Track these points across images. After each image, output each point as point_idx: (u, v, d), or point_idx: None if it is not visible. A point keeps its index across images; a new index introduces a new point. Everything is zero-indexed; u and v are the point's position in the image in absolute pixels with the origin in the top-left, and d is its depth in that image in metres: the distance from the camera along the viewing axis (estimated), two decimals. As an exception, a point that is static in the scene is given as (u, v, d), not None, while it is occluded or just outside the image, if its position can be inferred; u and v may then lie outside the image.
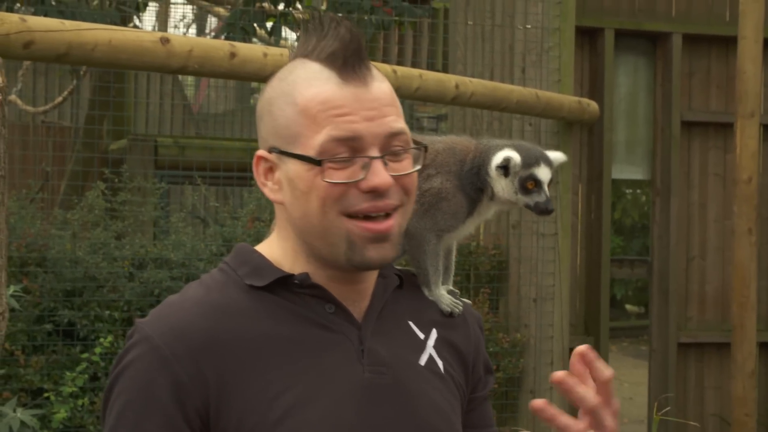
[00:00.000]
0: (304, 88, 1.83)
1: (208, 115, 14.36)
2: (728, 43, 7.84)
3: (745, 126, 6.41)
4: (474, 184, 2.29)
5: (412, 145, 1.88)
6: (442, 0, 9.15)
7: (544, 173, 2.30)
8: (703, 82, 8.09)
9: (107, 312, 5.95)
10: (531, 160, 2.28)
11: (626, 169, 8.10)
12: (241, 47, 4.57)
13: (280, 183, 1.87)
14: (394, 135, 1.84)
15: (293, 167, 1.83)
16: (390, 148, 1.83)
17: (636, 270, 9.18)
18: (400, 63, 9.18)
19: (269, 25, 7.95)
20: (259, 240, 6.29)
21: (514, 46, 6.91)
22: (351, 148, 1.80)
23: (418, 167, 1.88)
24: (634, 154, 8.06)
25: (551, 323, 6.78)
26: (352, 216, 1.82)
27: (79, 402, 5.64)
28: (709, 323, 8.08)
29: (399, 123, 1.85)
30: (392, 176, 1.82)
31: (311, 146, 1.81)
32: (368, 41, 8.88)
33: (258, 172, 1.91)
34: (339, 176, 1.80)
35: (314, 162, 1.80)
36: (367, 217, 1.82)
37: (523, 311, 6.84)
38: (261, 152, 1.90)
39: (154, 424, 1.77)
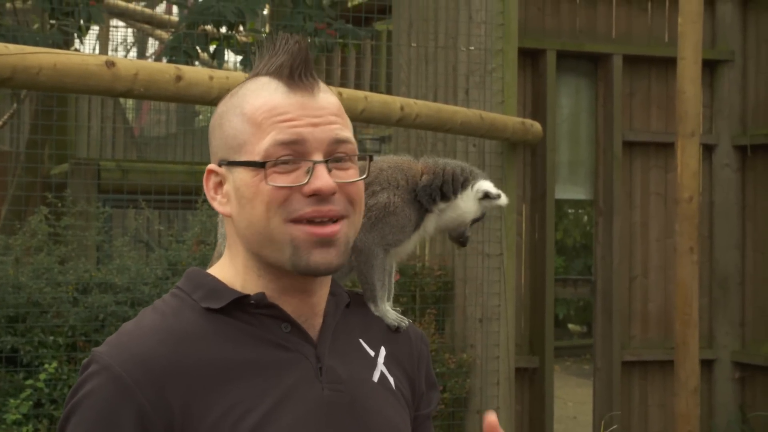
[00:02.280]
0: (252, 99, 1.87)
1: (149, 139, 14.28)
2: (668, 64, 7.95)
3: (686, 146, 6.48)
4: (430, 199, 2.35)
5: (359, 155, 1.91)
6: (384, 22, 9.18)
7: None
8: (644, 103, 8.20)
9: (51, 338, 5.88)
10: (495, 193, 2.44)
11: (569, 189, 8.18)
12: (187, 70, 4.56)
13: (228, 195, 1.89)
14: (339, 142, 1.86)
15: (239, 176, 1.86)
16: (334, 154, 1.85)
17: (579, 289, 9.25)
18: (343, 85, 9.19)
19: (212, 48, 7.93)
20: (204, 263, 6.25)
21: (457, 67, 6.95)
22: (295, 152, 1.83)
23: (364, 176, 1.91)
24: (577, 175, 8.14)
25: (497, 343, 6.80)
26: (296, 221, 1.83)
27: (24, 429, 5.56)
28: (652, 341, 8.17)
29: (344, 132, 1.87)
30: (337, 184, 1.84)
31: (256, 152, 1.83)
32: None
33: (208, 186, 1.93)
34: (283, 180, 1.82)
35: (258, 165, 1.82)
36: (311, 222, 1.84)
37: (469, 331, 6.86)
38: (211, 166, 1.92)
39: None
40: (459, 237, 2.43)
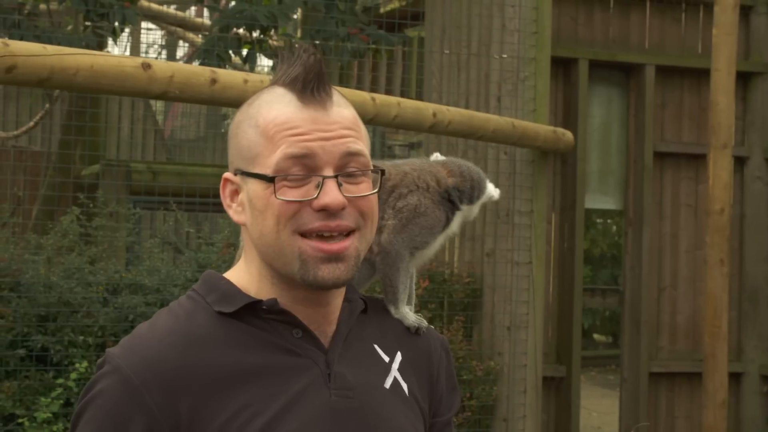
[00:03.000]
0: (266, 111, 1.87)
1: (179, 141, 14.33)
2: (700, 75, 7.92)
3: (718, 157, 6.47)
4: (459, 199, 2.39)
5: (371, 169, 1.90)
6: (416, 29, 9.18)
7: None
8: (676, 114, 8.17)
9: (81, 337, 5.91)
10: None
11: (599, 199, 8.16)
12: (222, 73, 4.58)
13: (243, 204, 1.90)
14: (351, 155, 1.86)
15: (252, 187, 1.86)
16: (345, 168, 1.86)
17: (608, 300, 9.21)
18: (373, 91, 9.20)
19: (244, 52, 7.95)
20: (232, 266, 6.26)
21: (489, 75, 6.94)
22: (305, 166, 1.83)
23: (376, 191, 1.90)
24: (607, 185, 8.11)
25: (525, 351, 6.79)
26: (305, 235, 1.84)
27: (54, 428, 5.59)
28: (680, 353, 8.13)
29: (356, 145, 1.87)
30: (348, 198, 1.84)
31: (268, 165, 1.84)
32: (343, 68, 8.92)
33: (224, 194, 1.94)
34: (293, 194, 1.83)
35: (268, 179, 1.83)
36: (321, 236, 1.84)
37: (497, 339, 6.85)
38: (227, 174, 1.94)
39: None
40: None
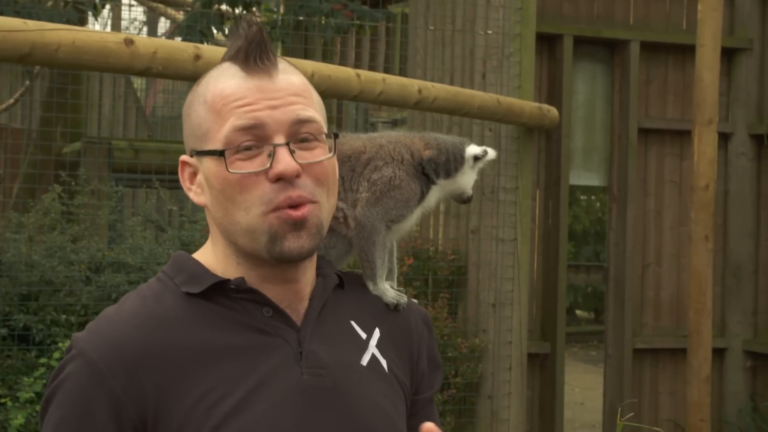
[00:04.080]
0: (213, 86, 1.86)
1: (161, 118, 14.26)
2: (685, 52, 7.91)
3: (703, 133, 6.45)
4: (435, 174, 2.34)
5: (324, 133, 1.88)
6: (400, 5, 9.13)
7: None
8: (660, 90, 8.15)
9: (64, 316, 5.87)
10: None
11: (583, 175, 8.15)
12: (206, 49, 4.53)
13: (202, 185, 1.89)
14: (301, 122, 1.84)
15: (207, 165, 1.85)
16: (297, 136, 1.83)
17: (591, 276, 9.25)
18: (357, 68, 9.16)
19: (227, 28, 7.89)
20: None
21: (474, 51, 6.90)
22: (256, 137, 1.81)
23: (331, 155, 1.88)
24: (591, 161, 8.10)
25: (510, 329, 6.78)
26: (273, 211, 1.82)
27: (37, 408, 5.55)
28: (663, 329, 8.14)
29: (306, 111, 1.85)
30: (302, 165, 1.82)
31: (218, 140, 1.82)
32: (327, 44, 8.86)
33: (183, 177, 1.93)
34: (246, 166, 1.81)
35: (218, 153, 1.81)
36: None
37: (482, 316, 6.84)
38: (183, 157, 1.92)
39: None
40: (462, 200, 2.45)
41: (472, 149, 2.39)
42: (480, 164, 2.40)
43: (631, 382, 7.90)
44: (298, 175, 1.81)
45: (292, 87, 1.85)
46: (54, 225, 6.39)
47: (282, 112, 1.82)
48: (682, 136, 7.99)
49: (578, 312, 19.30)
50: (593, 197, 17.83)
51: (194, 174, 1.90)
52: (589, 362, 15.42)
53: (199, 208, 7.34)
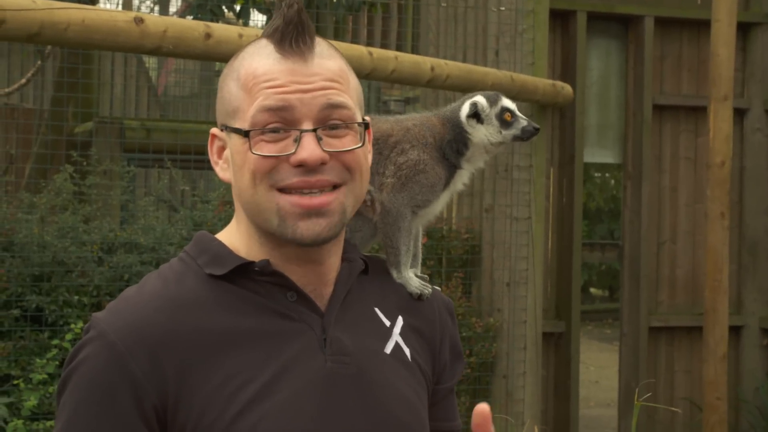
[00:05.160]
0: (247, 63, 1.83)
1: (172, 98, 14.22)
2: (699, 27, 7.85)
3: (719, 109, 6.39)
4: (457, 150, 2.31)
5: (356, 121, 1.84)
6: (412, -18, 9.07)
7: (510, 103, 2.36)
8: (675, 66, 8.09)
9: (76, 297, 5.85)
10: (493, 97, 2.35)
11: (598, 152, 8.09)
12: (217, 28, 4.48)
13: (228, 161, 1.87)
14: (332, 108, 1.80)
15: (233, 142, 1.83)
16: (327, 122, 1.80)
17: (607, 254, 9.22)
18: (369, 45, 9.11)
19: (238, 7, 7.86)
20: (229, 223, 6.17)
21: (487, 28, 6.85)
22: (283, 119, 1.78)
23: (360, 145, 1.84)
24: (606, 138, 8.05)
25: (524, 308, 6.74)
26: (283, 191, 1.79)
27: (50, 389, 5.54)
28: (679, 307, 8.10)
29: (339, 97, 1.81)
30: (330, 152, 1.79)
31: (246, 119, 1.80)
32: (338, 23, 8.81)
33: (212, 150, 1.91)
34: (269, 149, 1.78)
35: (243, 134, 1.79)
36: (301, 192, 1.79)
37: (496, 296, 6.80)
38: (214, 130, 1.90)
39: (108, 422, 1.74)
40: (521, 136, 2.35)
41: (464, 110, 2.32)
42: (484, 115, 2.32)
43: (646, 361, 7.86)
44: (323, 163, 1.78)
45: (326, 72, 1.81)
46: (66, 205, 6.37)
47: (312, 96, 1.79)
48: (697, 112, 7.93)
49: (592, 290, 19.26)
50: (607, 174, 17.76)
51: (222, 148, 1.88)
52: (603, 340, 15.41)
53: (211, 188, 7.32)
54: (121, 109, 12.17)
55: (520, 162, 6.72)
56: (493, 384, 6.78)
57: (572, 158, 7.58)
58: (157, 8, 17.75)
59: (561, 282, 7.62)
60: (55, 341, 5.70)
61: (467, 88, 6.03)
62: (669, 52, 8.08)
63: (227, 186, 6.58)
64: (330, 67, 1.82)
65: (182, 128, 7.42)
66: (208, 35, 4.40)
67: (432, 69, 5.57)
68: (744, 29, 8.02)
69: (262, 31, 5.24)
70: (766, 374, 8.14)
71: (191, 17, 7.64)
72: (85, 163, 6.74)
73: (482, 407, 1.70)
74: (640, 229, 7.90)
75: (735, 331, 8.00)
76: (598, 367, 12.91)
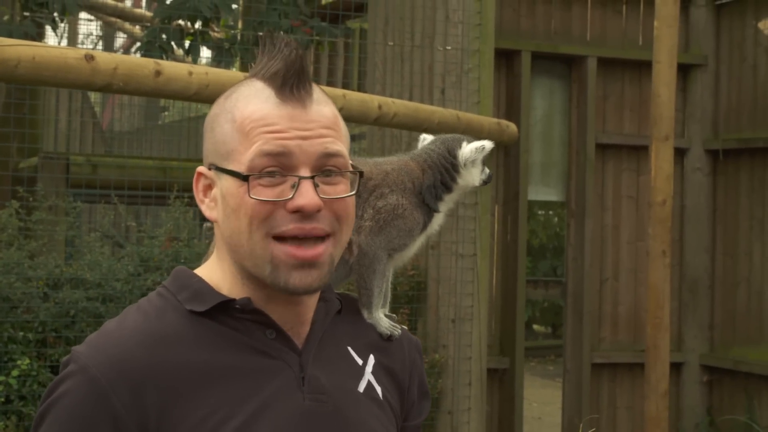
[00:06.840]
0: (243, 106, 1.82)
1: (117, 133, 14.18)
2: (641, 68, 7.99)
3: (660, 149, 6.51)
4: (436, 199, 2.35)
5: (350, 170, 1.85)
6: (358, 20, 9.14)
7: None
8: (617, 106, 8.22)
9: (21, 333, 5.80)
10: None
11: (541, 190, 8.19)
12: (166, 65, 4.51)
13: (216, 200, 1.86)
14: (329, 156, 1.81)
15: (226, 183, 1.81)
16: (324, 168, 1.81)
17: (550, 291, 9.29)
18: (316, 83, 9.16)
19: (187, 43, 7.86)
20: (176, 259, 6.11)
21: (433, 66, 6.93)
22: (281, 165, 1.78)
23: (353, 192, 1.85)
24: (550, 176, 8.15)
25: (469, 344, 6.79)
26: (279, 238, 1.79)
27: (-6, 426, 5.50)
28: (621, 344, 8.19)
29: (335, 145, 1.81)
30: (324, 200, 1.79)
31: (242, 162, 1.79)
32: (285, 61, 8.83)
33: (197, 188, 1.89)
34: (267, 194, 1.78)
35: (242, 177, 1.78)
36: (295, 240, 1.79)
37: (442, 332, 6.85)
38: (201, 168, 1.88)
39: None
40: (486, 181, 2.46)
41: (466, 150, 2.40)
42: (480, 156, 2.41)
43: (589, 397, 7.94)
44: (317, 210, 1.79)
45: (323, 119, 1.81)
46: (11, 241, 6.32)
47: (311, 144, 1.79)
48: (639, 151, 8.06)
49: (535, 326, 19.34)
50: (551, 212, 17.90)
51: (209, 187, 1.87)
52: (546, 377, 15.45)
53: (157, 224, 7.31)
54: (65, 145, 12.11)
55: (465, 199, 6.79)
56: (438, 420, 6.82)
57: (516, 196, 7.67)
58: (101, 43, 17.70)
59: (505, 318, 7.69)
60: (1, 378, 5.65)
61: (414, 126, 6.10)
62: (611, 92, 8.21)
63: (174, 222, 6.60)
64: (326, 114, 1.83)
65: (128, 164, 7.41)
66: (158, 72, 4.42)
67: (379, 107, 5.62)
68: (684, 70, 8.18)
69: (211, 68, 5.24)
70: (706, 410, 8.24)
71: (140, 54, 7.65)
72: (30, 199, 6.71)
73: None
74: (583, 266, 7.99)
75: (676, 367, 8.10)
76: (541, 404, 12.95)
